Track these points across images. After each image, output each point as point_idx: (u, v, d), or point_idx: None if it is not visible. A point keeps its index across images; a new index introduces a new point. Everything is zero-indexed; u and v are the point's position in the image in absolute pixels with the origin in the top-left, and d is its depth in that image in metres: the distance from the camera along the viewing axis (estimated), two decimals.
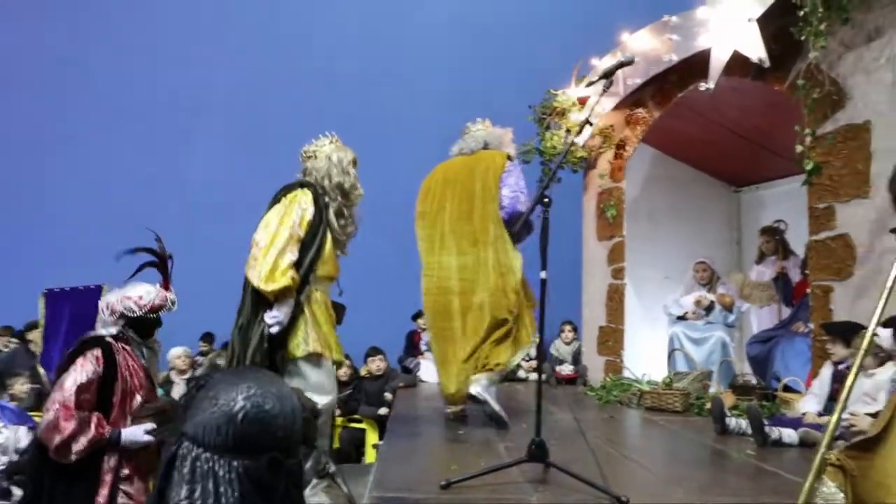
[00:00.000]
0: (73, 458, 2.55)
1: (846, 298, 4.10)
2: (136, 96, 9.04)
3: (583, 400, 5.49)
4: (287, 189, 3.31)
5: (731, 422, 3.90)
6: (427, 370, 6.40)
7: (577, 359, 6.90)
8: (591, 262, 6.75)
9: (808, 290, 4.50)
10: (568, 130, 6.41)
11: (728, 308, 5.74)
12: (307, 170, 3.42)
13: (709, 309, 5.75)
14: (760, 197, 6.83)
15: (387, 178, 7.69)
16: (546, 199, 2.79)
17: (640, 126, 6.10)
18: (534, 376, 6.86)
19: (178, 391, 6.12)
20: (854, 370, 1.78)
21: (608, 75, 2.95)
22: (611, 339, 6.32)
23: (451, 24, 8.88)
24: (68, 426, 2.53)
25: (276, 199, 3.28)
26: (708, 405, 4.48)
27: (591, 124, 5.88)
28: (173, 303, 2.93)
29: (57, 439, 2.52)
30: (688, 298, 5.86)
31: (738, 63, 4.82)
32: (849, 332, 3.68)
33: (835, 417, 1.75)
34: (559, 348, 6.98)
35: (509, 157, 4.26)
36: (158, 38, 9.18)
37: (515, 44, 8.34)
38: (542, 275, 2.80)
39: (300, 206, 3.22)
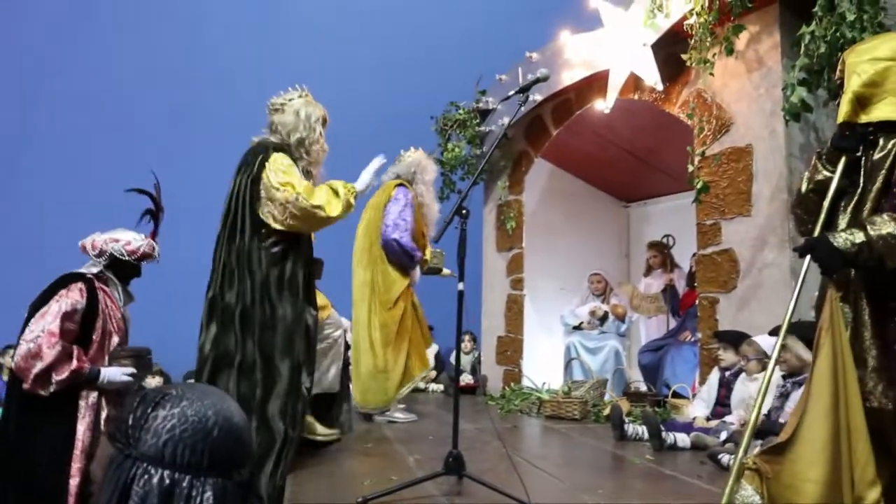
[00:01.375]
0: (53, 388, 2.49)
1: (730, 309, 4.41)
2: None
3: (484, 409, 5.54)
4: (259, 152, 2.90)
5: (630, 428, 4.06)
6: None
7: (475, 368, 6.97)
8: (491, 273, 6.86)
9: (696, 302, 4.79)
10: (469, 142, 6.52)
11: (620, 318, 6.01)
12: (273, 124, 3.07)
13: (603, 319, 5.99)
14: (647, 212, 7.24)
15: None
16: (464, 211, 2.78)
17: (540, 141, 6.29)
18: (433, 386, 6.86)
19: None
20: (768, 373, 1.89)
21: (525, 90, 3.01)
22: (510, 349, 6.44)
23: (355, 35, 8.76)
24: (50, 353, 2.47)
25: (247, 163, 2.90)
26: (605, 412, 4.65)
27: (507, 137, 6.02)
28: (159, 255, 2.93)
29: (38, 366, 2.46)
30: (583, 309, 6.08)
31: (632, 84, 5.10)
32: (738, 340, 3.95)
33: (752, 420, 1.85)
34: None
35: (402, 184, 4.81)
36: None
37: (418, 55, 8.37)
38: (460, 286, 2.79)
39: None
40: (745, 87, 4.48)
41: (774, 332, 3.52)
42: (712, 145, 4.61)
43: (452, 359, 6.98)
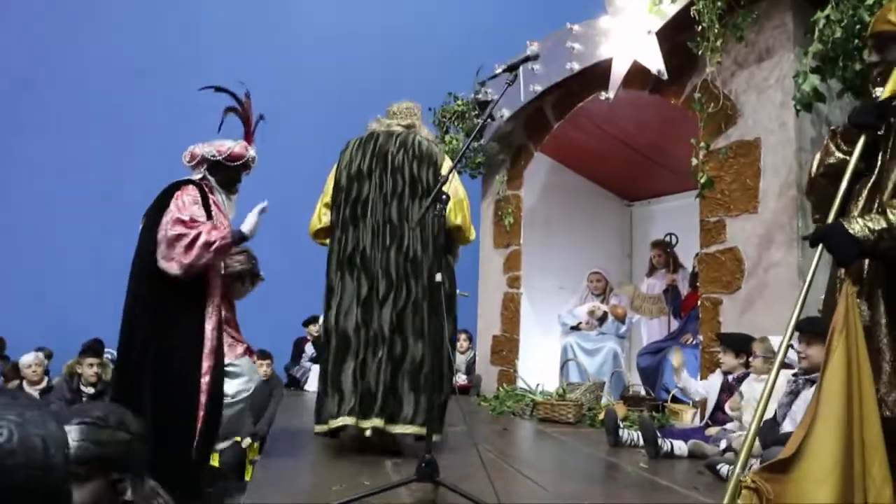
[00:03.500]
0: (204, 259, 2.78)
1: (734, 311, 4.17)
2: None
3: (476, 411, 5.31)
4: (417, 142, 3.50)
5: (624, 434, 3.83)
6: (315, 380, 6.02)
7: (470, 369, 6.75)
8: (487, 270, 6.64)
9: (698, 303, 4.56)
10: (467, 134, 6.30)
11: (620, 319, 5.78)
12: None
13: (602, 320, 5.76)
14: (651, 212, 7.00)
15: (283, 182, 7.30)
16: (444, 196, 2.56)
17: (540, 134, 6.07)
18: None
19: None
20: (772, 377, 1.66)
21: (513, 68, 2.79)
22: (505, 349, 6.22)
23: (352, 26, 8.56)
24: (192, 231, 2.76)
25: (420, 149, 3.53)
26: (600, 416, 4.42)
27: (493, 119, 5.78)
28: (253, 159, 3.13)
29: (183, 243, 2.74)
30: (582, 309, 5.85)
31: (637, 76, 4.86)
32: (740, 344, 3.71)
33: (751, 430, 1.62)
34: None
35: None
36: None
37: (417, 48, 8.17)
38: (438, 277, 2.57)
39: None
40: (755, 77, 4.24)
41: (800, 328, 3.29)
42: (718, 138, 4.37)
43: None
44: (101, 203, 7.34)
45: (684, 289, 5.56)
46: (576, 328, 5.83)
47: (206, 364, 2.82)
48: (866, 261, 1.70)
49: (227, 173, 3.08)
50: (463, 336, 6.94)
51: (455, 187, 3.41)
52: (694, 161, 4.31)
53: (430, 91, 6.59)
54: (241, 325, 6.48)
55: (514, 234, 6.23)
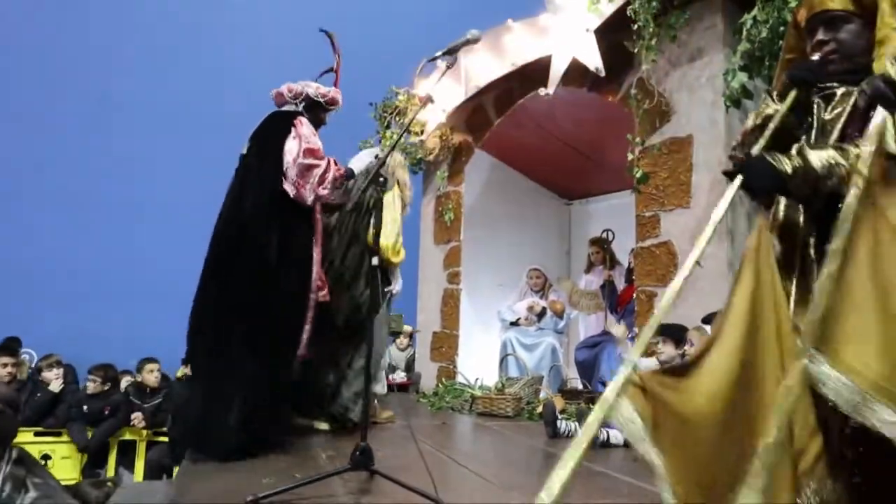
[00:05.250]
0: (327, 190, 3.23)
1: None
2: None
3: (415, 407, 5.26)
4: None
5: (562, 425, 3.85)
6: None
7: (410, 366, 6.70)
8: (427, 266, 6.60)
9: (634, 297, 4.63)
10: (408, 131, 6.24)
11: (559, 315, 5.83)
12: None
13: (541, 315, 5.80)
14: (589, 210, 7.11)
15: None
16: (382, 178, 2.51)
17: (481, 131, 6.08)
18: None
19: None
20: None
21: (453, 51, 2.75)
22: (445, 345, 6.19)
23: (291, 16, 8.39)
24: (322, 162, 3.20)
25: None
26: (539, 410, 4.43)
27: (432, 101, 5.74)
28: (340, 106, 3.54)
29: (315, 174, 3.16)
30: (521, 304, 5.88)
31: (575, 73, 4.91)
32: (680, 333, 3.79)
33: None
34: (393, 355, 6.72)
35: None
36: None
37: (357, 41, 8.07)
38: (374, 261, 2.52)
39: None
40: (687, 76, 4.35)
41: (707, 321, 3.42)
42: (653, 135, 4.46)
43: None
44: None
45: (620, 284, 5.65)
46: (515, 324, 5.85)
47: (313, 284, 3.23)
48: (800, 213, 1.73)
49: (318, 115, 3.46)
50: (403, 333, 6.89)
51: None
52: (630, 156, 4.39)
53: (372, 86, 6.54)
54: (171, 326, 6.34)
55: (455, 231, 6.21)
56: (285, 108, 3.45)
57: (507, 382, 5.03)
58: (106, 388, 5.64)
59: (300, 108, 3.39)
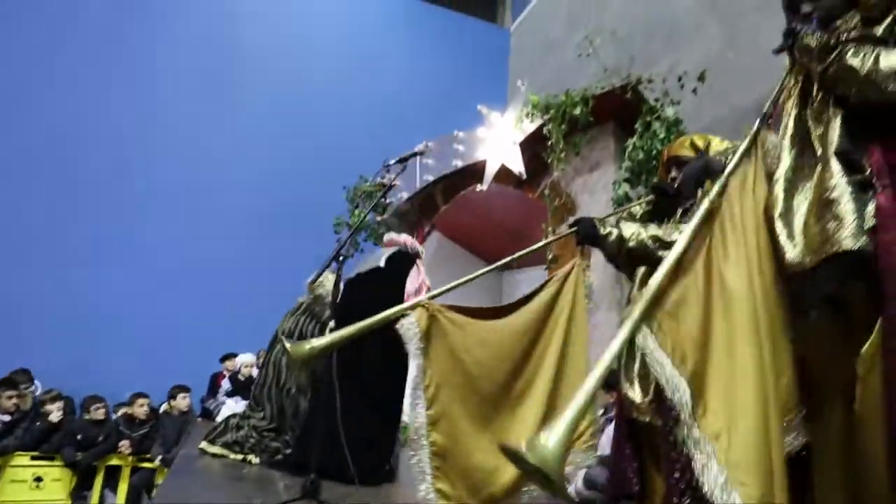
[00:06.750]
0: None
1: None
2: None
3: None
4: None
5: None
6: (228, 412, 5.80)
7: None
8: None
9: None
10: (373, 210, 6.55)
11: None
12: None
13: None
14: (517, 279, 7.46)
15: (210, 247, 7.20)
16: (341, 258, 2.76)
17: (431, 214, 6.42)
18: None
19: None
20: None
21: (404, 160, 3.09)
22: None
23: (273, 114, 8.56)
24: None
25: None
26: None
27: (385, 199, 6.09)
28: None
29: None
30: None
31: (504, 174, 5.35)
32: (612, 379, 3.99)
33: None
34: None
35: None
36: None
37: (334, 133, 8.39)
38: (331, 324, 2.72)
39: None
40: (588, 182, 4.80)
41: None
42: (562, 225, 4.86)
43: None
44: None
45: None
46: None
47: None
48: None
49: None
50: None
51: None
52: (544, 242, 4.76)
53: (345, 172, 6.85)
54: (164, 361, 6.24)
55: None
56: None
57: None
58: (102, 417, 5.56)
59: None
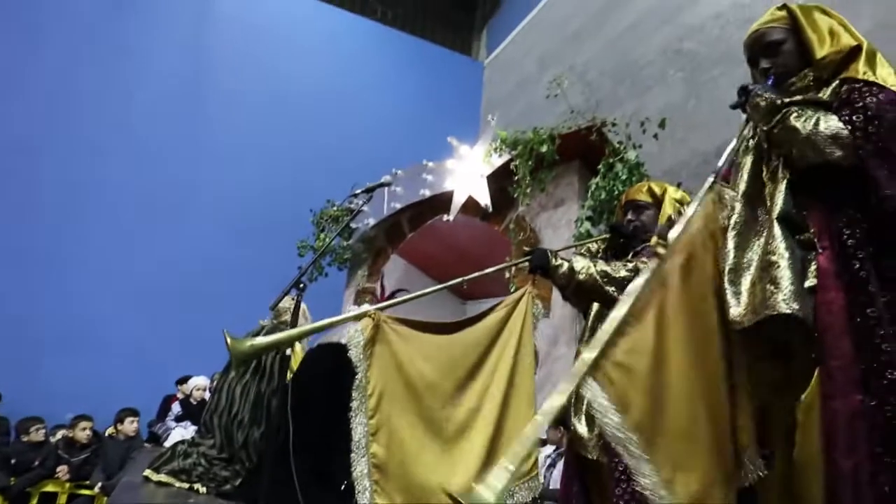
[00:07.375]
0: None
1: None
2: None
3: None
4: None
5: None
6: (177, 438, 5.57)
7: None
8: None
9: None
10: (339, 235, 6.52)
11: None
12: None
13: None
14: (480, 308, 7.45)
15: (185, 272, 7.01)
16: (301, 284, 2.72)
17: (397, 241, 6.42)
18: None
19: None
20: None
21: (370, 191, 3.09)
22: None
23: (245, 144, 8.49)
24: None
25: None
26: None
27: (349, 227, 6.09)
28: None
29: None
30: None
31: (471, 206, 5.40)
32: (563, 421, 4.00)
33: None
34: None
35: None
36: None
37: (304, 157, 8.37)
38: (288, 351, 2.67)
39: None
40: (552, 218, 4.89)
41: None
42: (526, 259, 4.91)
43: None
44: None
45: None
46: None
47: None
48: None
49: None
50: None
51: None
52: (507, 275, 4.81)
53: (312, 196, 6.80)
54: (113, 382, 6.00)
55: None
56: None
57: None
58: (41, 440, 5.27)
59: None
